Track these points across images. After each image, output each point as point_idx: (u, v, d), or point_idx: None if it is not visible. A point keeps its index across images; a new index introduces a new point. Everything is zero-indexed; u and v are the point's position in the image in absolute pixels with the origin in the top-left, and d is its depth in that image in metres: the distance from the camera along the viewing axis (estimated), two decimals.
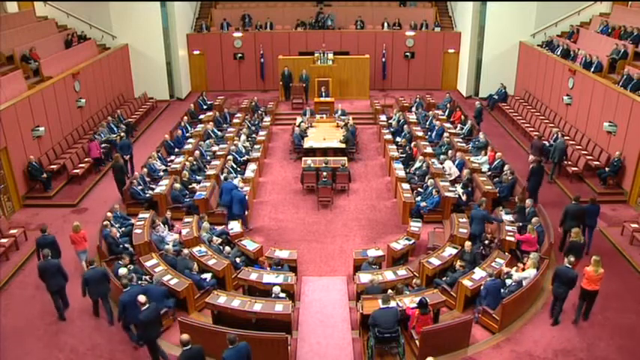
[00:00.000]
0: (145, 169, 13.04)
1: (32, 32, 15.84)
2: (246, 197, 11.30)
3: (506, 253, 9.58)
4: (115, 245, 9.76)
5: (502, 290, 8.43)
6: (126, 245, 9.96)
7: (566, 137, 14.07)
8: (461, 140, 15.17)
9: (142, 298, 7.40)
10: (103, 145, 14.64)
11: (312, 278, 9.73)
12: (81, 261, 9.65)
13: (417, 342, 7.60)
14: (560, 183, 13.25)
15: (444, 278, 9.13)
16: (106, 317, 8.53)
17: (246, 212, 11.30)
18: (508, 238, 9.93)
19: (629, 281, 9.52)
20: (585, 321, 8.44)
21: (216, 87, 21.58)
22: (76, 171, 13.43)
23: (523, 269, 8.89)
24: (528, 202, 10.76)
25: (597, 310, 8.67)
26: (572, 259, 8.19)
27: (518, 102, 18.36)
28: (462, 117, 16.94)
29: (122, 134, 15.17)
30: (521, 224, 10.38)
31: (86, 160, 14.06)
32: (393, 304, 7.62)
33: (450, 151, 14.02)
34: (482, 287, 8.40)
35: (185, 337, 6.70)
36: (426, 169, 13.11)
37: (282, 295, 8.37)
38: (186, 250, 9.48)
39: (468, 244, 9.46)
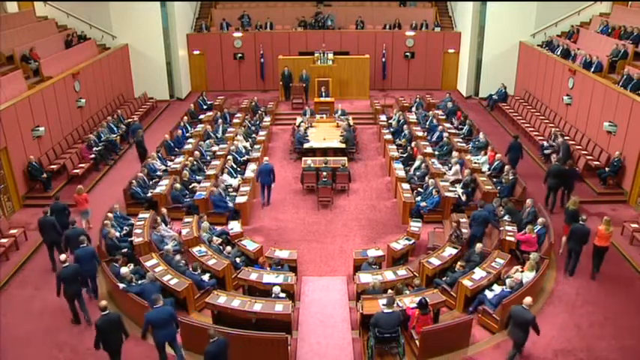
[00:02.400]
0: (145, 169, 13.02)
1: (32, 32, 15.83)
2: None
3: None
4: (113, 247, 9.74)
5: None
6: (124, 245, 9.93)
7: (566, 137, 14.06)
8: (461, 140, 15.17)
9: (62, 257, 8.29)
10: (101, 145, 14.65)
11: (312, 278, 9.73)
12: (82, 220, 10.91)
13: (417, 342, 7.60)
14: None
15: (444, 278, 9.13)
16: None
17: (274, 184, 12.54)
18: (508, 238, 9.93)
19: (629, 281, 9.52)
20: (597, 273, 9.50)
21: (216, 87, 21.57)
22: (76, 171, 13.42)
23: (523, 271, 8.91)
24: (529, 202, 10.74)
25: (598, 310, 8.70)
26: (584, 217, 9.46)
27: (518, 102, 18.35)
28: (462, 117, 16.93)
29: (135, 120, 16.05)
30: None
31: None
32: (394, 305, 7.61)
33: (454, 153, 13.91)
34: (494, 295, 8.42)
35: (103, 303, 7.15)
36: (426, 169, 13.11)
37: (282, 295, 8.37)
38: (178, 257, 9.36)
39: (478, 245, 9.43)
